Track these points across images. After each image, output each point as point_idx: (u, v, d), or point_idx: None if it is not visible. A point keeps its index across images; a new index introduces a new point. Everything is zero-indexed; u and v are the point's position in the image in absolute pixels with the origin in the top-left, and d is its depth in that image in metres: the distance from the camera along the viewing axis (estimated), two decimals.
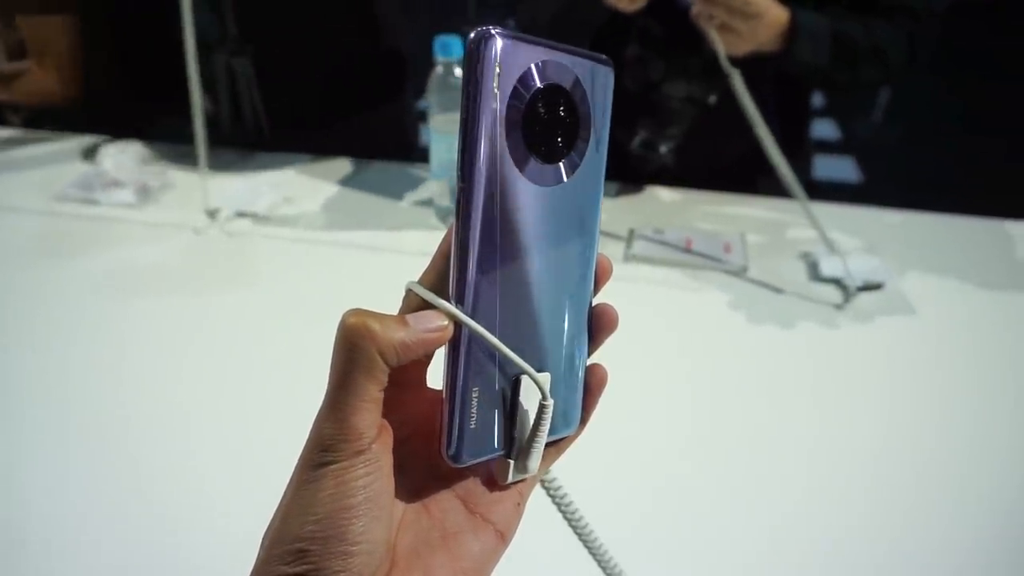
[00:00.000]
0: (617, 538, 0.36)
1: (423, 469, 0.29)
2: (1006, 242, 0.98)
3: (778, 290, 0.85)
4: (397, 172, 1.16)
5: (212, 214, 1.00)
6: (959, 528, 0.55)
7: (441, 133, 0.91)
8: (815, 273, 0.87)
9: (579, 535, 0.34)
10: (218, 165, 1.15)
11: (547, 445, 0.30)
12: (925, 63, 1.05)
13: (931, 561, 0.53)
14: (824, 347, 0.76)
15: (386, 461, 0.26)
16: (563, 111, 0.28)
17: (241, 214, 1.01)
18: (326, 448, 0.25)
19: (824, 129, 3.12)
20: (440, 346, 0.26)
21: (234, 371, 0.71)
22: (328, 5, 1.23)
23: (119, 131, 1.19)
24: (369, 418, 0.25)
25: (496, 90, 0.25)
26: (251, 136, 1.27)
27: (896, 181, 2.67)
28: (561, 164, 0.28)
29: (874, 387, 0.70)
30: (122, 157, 1.04)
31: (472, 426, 0.27)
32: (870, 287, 0.84)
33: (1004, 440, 0.64)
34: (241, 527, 0.54)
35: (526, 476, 0.29)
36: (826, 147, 3.00)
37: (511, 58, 0.26)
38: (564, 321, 0.29)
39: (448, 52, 0.88)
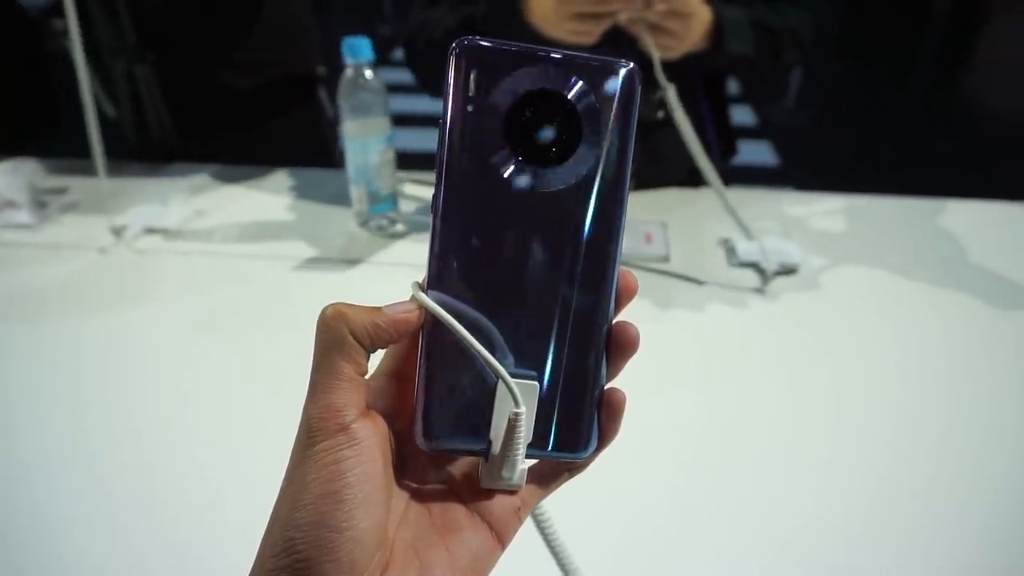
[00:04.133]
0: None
1: (424, 464, 0.29)
2: (919, 218, 1.02)
3: (698, 277, 0.86)
4: (314, 178, 1.13)
5: (118, 232, 0.95)
6: (888, 498, 0.57)
7: (354, 138, 0.88)
8: (734, 259, 0.89)
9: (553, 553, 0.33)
10: (123, 180, 1.10)
11: (557, 466, 0.30)
12: (833, 47, 1.08)
13: (864, 535, 0.54)
14: (745, 330, 0.78)
15: (371, 445, 0.26)
16: (553, 117, 0.27)
17: (150, 230, 0.96)
18: (310, 431, 0.26)
19: (740, 115, 3.21)
20: (410, 329, 0.27)
21: (149, 391, 0.68)
22: (233, 7, 1.18)
23: (9, 149, 1.12)
24: (346, 396, 0.26)
25: (472, 96, 0.26)
26: (158, 147, 1.21)
27: (810, 163, 2.77)
28: (557, 170, 0.27)
29: (788, 365, 0.72)
30: (13, 176, 0.98)
31: (439, 414, 0.28)
32: (786, 270, 0.87)
33: (925, 413, 0.66)
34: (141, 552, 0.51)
35: (503, 486, 0.29)
36: (742, 132, 3.09)
37: (489, 66, 0.27)
38: (566, 334, 0.28)
39: (357, 54, 0.85)
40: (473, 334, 0.27)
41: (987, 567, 0.52)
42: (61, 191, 1.06)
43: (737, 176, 1.24)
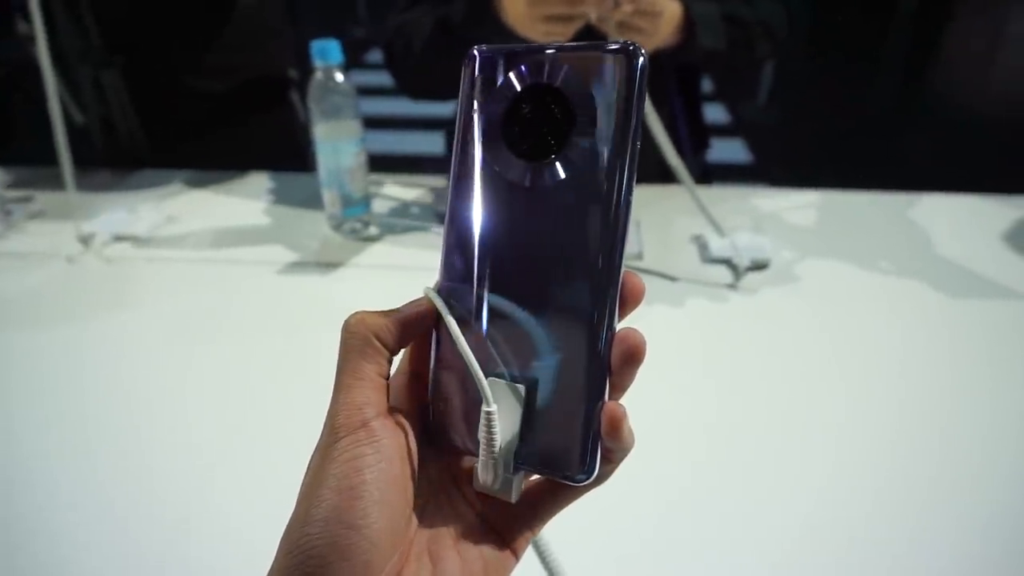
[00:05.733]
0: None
1: (440, 469, 0.30)
2: (891, 212, 1.04)
3: (671, 274, 0.87)
4: (287, 182, 1.12)
5: (86, 240, 0.93)
6: (874, 496, 0.58)
7: (325, 141, 0.88)
8: (706, 255, 0.90)
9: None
10: (92, 187, 1.09)
11: (552, 486, 0.29)
12: (804, 43, 1.09)
13: (835, 531, 0.55)
14: (718, 325, 0.79)
15: (391, 445, 0.26)
16: (549, 110, 0.27)
17: (120, 238, 0.95)
18: (332, 428, 0.26)
19: (713, 113, 3.24)
20: (425, 323, 0.29)
21: (123, 399, 0.67)
22: (203, 9, 1.17)
23: None
24: (366, 394, 0.26)
25: (476, 99, 0.28)
26: (127, 153, 1.20)
27: (783, 160, 2.80)
28: (553, 166, 0.27)
29: (763, 360, 0.73)
30: None
31: (442, 408, 0.29)
32: (758, 266, 0.88)
33: (903, 404, 0.67)
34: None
35: (490, 491, 0.28)
36: (715, 130, 3.12)
37: (490, 70, 0.28)
38: (564, 341, 0.26)
39: (326, 57, 0.85)
40: (472, 332, 0.27)
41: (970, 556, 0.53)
42: (26, 199, 1.04)
43: (711, 173, 1.25)
